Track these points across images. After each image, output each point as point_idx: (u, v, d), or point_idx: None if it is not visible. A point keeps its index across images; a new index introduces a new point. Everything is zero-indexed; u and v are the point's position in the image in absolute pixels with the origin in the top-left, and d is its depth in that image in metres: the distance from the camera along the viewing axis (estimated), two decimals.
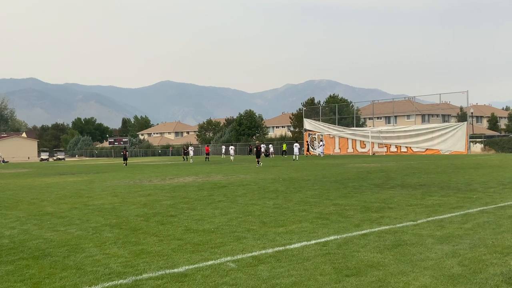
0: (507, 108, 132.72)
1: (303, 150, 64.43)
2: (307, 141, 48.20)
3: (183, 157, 60.07)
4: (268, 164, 36.89)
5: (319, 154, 57.46)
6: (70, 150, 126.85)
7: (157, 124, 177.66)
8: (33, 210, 12.52)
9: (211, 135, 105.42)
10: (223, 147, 76.90)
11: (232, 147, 54.36)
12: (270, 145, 65.39)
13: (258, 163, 34.44)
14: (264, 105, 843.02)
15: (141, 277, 5.86)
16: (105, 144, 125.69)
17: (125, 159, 47.09)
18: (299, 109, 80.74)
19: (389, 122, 78.88)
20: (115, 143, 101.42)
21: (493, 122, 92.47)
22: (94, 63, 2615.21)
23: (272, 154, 62.57)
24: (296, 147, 45.56)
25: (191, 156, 56.42)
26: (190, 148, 59.14)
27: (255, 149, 38.46)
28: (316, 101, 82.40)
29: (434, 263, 6.03)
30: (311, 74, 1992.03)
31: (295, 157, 44.91)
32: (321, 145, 57.97)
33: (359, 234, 7.99)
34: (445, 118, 77.26)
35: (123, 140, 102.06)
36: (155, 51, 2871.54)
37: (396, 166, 26.74)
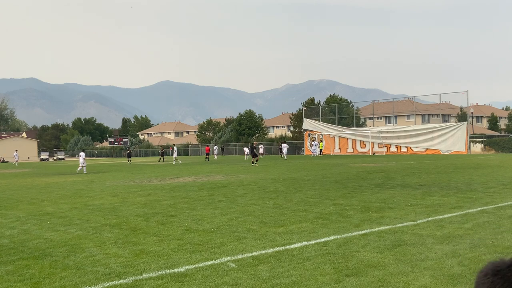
0: (507, 108, 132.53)
1: (303, 150, 66.99)
2: (279, 147, 48.72)
3: (160, 158, 56.29)
4: (268, 164, 36.88)
5: (313, 154, 59.33)
6: (70, 150, 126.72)
7: (157, 124, 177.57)
8: (33, 210, 12.51)
9: (211, 135, 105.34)
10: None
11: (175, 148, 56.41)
12: (260, 145, 64.31)
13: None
14: (264, 105, 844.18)
15: (141, 277, 5.86)
16: (105, 144, 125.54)
17: (129, 157, 57.05)
18: (299, 109, 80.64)
19: (389, 122, 78.73)
20: (115, 143, 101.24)
21: (493, 122, 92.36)
22: (94, 63, 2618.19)
23: (260, 155, 62.26)
24: (285, 147, 50.71)
25: (176, 157, 49.66)
26: (174, 148, 52.77)
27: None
28: (316, 101, 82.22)
29: (434, 263, 6.02)
30: (311, 74, 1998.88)
31: (284, 156, 49.52)
32: (313, 145, 60.99)
33: (359, 234, 7.98)
34: (445, 118, 77.15)
35: (123, 140, 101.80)
36: (155, 51, 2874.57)
37: (396, 166, 26.74)
